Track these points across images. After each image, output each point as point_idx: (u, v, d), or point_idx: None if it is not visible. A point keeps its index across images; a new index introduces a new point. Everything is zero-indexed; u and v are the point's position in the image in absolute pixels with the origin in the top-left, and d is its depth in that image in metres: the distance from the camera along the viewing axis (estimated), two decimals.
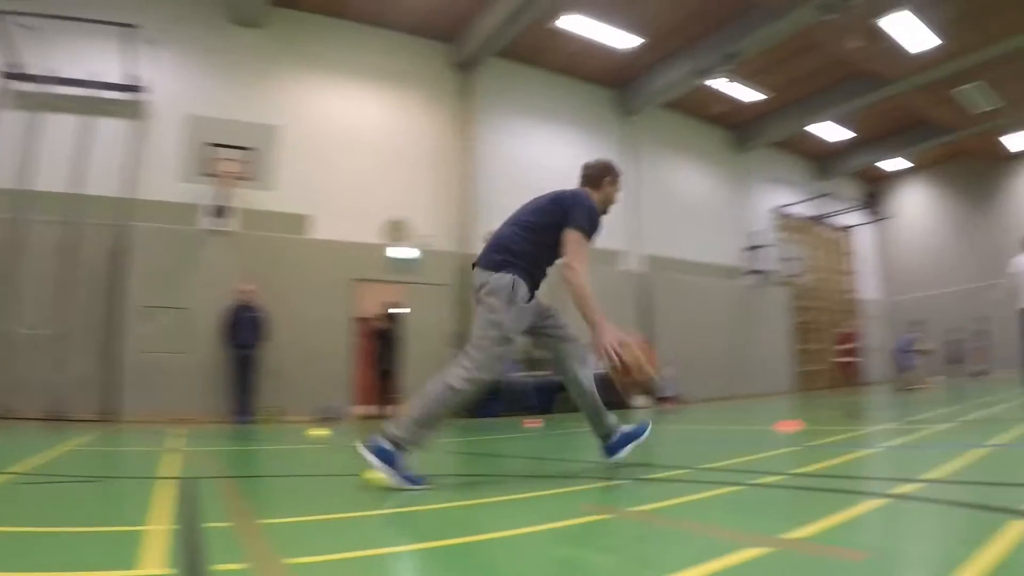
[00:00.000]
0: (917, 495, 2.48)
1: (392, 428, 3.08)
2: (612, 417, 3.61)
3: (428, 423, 3.12)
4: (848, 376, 15.67)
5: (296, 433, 7.59)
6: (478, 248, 11.95)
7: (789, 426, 5.96)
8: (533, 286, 3.40)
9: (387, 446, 3.01)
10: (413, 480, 2.98)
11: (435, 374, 3.20)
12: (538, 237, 3.38)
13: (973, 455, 3.44)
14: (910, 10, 12.19)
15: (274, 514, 2.59)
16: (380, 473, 2.97)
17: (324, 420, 9.92)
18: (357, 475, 3.28)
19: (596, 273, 3.37)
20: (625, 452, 3.56)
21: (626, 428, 3.60)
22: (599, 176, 3.71)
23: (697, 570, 1.51)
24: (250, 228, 10.71)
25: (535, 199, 3.59)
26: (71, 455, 5.07)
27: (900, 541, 1.87)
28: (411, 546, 2.06)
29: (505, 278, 3.25)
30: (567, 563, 1.77)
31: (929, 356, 15.38)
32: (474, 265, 3.46)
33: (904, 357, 14.29)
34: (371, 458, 2.99)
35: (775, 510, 2.47)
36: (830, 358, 16.50)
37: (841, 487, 2.80)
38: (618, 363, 3.22)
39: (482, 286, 3.31)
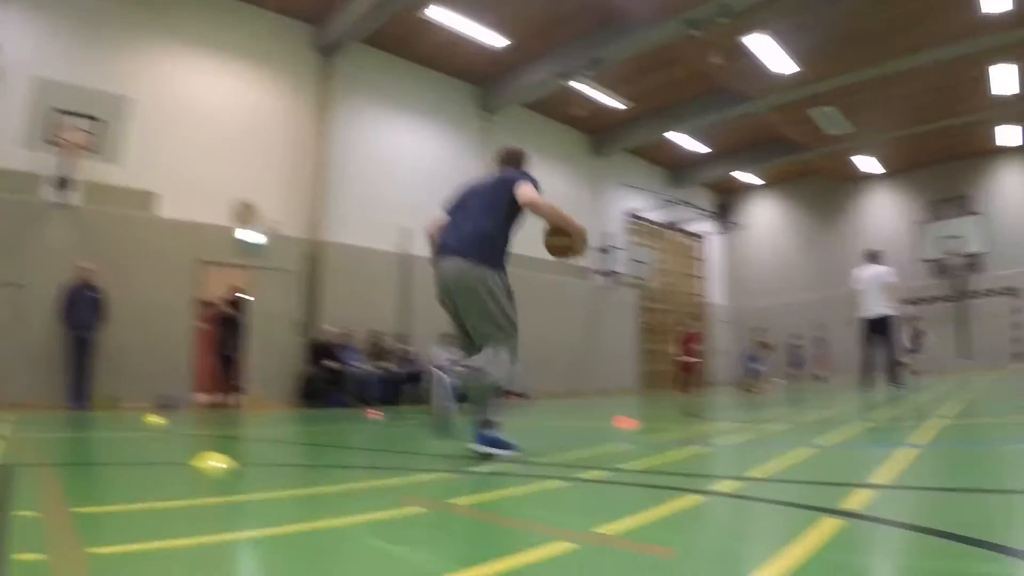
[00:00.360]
0: (738, 492, 2.73)
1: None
2: (499, 414, 4.06)
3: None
4: (690, 376, 17.48)
5: (133, 421, 7.87)
6: (327, 235, 13.02)
7: (627, 423, 6.53)
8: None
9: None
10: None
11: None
12: (506, 219, 4.05)
13: (800, 454, 3.84)
14: (771, 36, 14.46)
15: (91, 503, 2.74)
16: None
17: (163, 408, 10.36)
18: (186, 463, 3.76)
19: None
20: (488, 450, 3.89)
21: (502, 435, 4.00)
22: (519, 159, 4.45)
23: (500, 563, 1.65)
24: (94, 203, 11.21)
25: (478, 189, 4.21)
26: None
27: (711, 538, 2.08)
28: (221, 536, 2.14)
29: (495, 274, 3.94)
30: (373, 554, 1.89)
31: (771, 351, 18.61)
32: (437, 256, 4.07)
33: (750, 362, 17.24)
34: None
35: (594, 505, 2.66)
36: (672, 357, 18.44)
37: (664, 483, 3.00)
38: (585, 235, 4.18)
39: (467, 275, 3.90)
